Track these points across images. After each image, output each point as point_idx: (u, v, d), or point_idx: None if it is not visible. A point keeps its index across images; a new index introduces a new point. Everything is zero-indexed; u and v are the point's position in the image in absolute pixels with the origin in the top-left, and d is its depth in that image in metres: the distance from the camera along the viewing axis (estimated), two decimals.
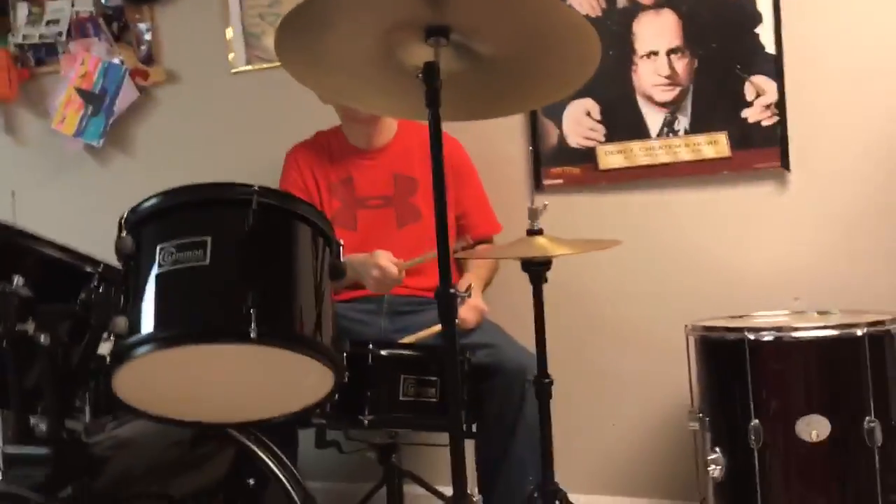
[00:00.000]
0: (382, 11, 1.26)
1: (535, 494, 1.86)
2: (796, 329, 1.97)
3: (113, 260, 1.63)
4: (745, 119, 2.40)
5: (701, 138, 2.45)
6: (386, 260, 2.08)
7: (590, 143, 2.56)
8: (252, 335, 1.31)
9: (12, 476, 1.47)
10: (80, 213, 3.06)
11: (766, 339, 1.95)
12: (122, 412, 1.82)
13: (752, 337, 1.95)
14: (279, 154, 2.51)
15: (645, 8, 2.47)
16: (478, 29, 1.34)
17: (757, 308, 2.24)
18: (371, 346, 1.83)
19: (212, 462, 1.85)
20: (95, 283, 1.60)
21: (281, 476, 1.77)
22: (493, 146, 2.61)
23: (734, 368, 1.97)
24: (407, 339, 2.06)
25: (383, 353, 1.83)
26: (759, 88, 2.39)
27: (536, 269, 1.78)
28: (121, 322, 1.37)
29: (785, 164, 2.38)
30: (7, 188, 2.98)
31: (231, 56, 2.89)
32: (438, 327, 2.06)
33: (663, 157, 2.49)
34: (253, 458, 1.78)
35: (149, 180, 2.92)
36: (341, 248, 1.59)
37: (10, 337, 1.50)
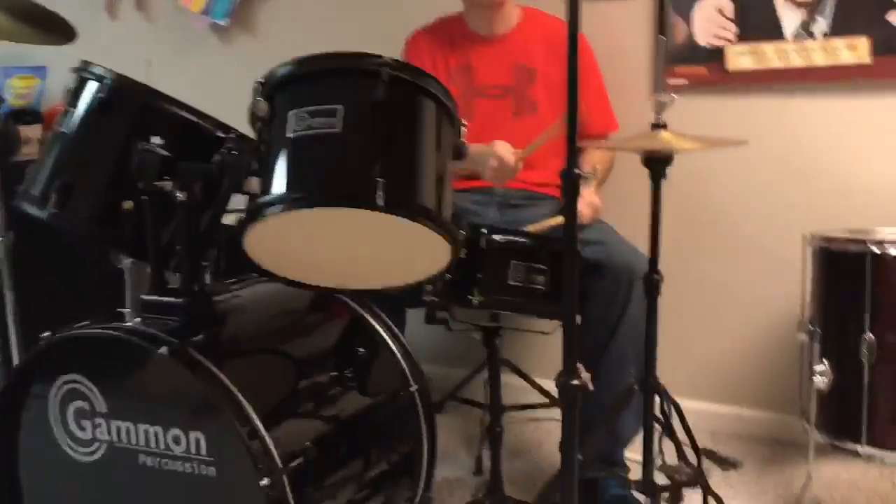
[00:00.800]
0: None
1: (636, 388, 1.88)
2: None
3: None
4: (891, 23, 2.25)
5: (839, 42, 2.32)
6: (505, 150, 2.08)
7: (719, 43, 2.45)
8: (379, 202, 1.35)
9: (149, 321, 1.58)
10: (204, 89, 3.13)
11: (891, 252, 1.88)
12: (246, 276, 1.94)
13: (875, 250, 1.88)
14: (403, 35, 2.51)
15: None
16: None
17: (881, 223, 2.15)
18: (485, 230, 1.85)
19: (326, 327, 1.94)
20: (228, 148, 1.68)
21: (392, 346, 1.84)
22: (616, 40, 2.54)
23: (853, 281, 1.92)
24: (529, 228, 2.07)
25: (497, 237, 1.85)
26: None
27: (657, 164, 1.75)
28: (254, 182, 1.43)
29: None
30: (139, 62, 3.10)
31: None
32: (557, 219, 2.09)
33: (797, 61, 2.37)
34: (366, 327, 1.86)
35: (272, 61, 3.01)
36: (464, 128, 1.60)
37: (149, 193, 1.59)
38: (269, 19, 3.07)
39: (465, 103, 2.37)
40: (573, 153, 1.31)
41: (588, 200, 2.18)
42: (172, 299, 1.60)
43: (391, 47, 2.52)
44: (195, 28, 3.14)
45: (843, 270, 1.99)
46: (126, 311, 1.69)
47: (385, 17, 2.86)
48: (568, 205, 1.31)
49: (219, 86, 3.12)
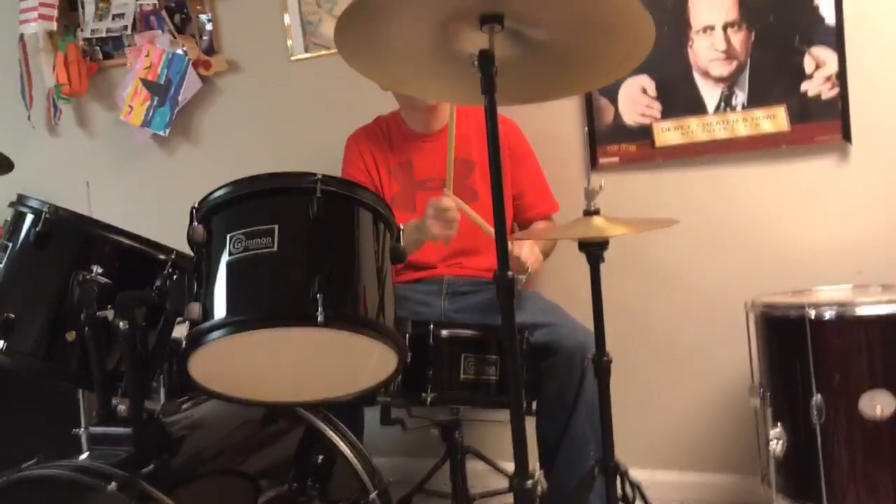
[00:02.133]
0: (438, 1, 1.29)
1: (597, 471, 1.89)
2: (859, 305, 1.95)
3: (183, 247, 1.71)
4: (805, 92, 2.37)
5: (759, 112, 2.43)
6: (434, 198, 2.09)
7: (646, 121, 2.55)
8: (319, 319, 1.37)
9: (98, 454, 1.56)
10: (148, 199, 3.18)
11: (827, 315, 1.94)
12: (196, 393, 1.93)
13: (813, 313, 1.94)
14: (339, 139, 2.57)
15: None
16: (531, 15, 1.35)
17: (819, 283, 2.22)
18: (432, 326, 1.88)
19: (282, 440, 1.92)
20: (169, 271, 1.69)
21: (348, 452, 1.83)
22: (548, 125, 2.62)
23: (796, 344, 1.96)
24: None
25: (444, 333, 1.88)
26: (819, 60, 2.35)
27: (594, 249, 1.80)
28: (195, 308, 1.44)
29: (846, 137, 2.35)
30: (81, 178, 3.12)
31: (289, 44, 2.94)
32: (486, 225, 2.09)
33: (721, 133, 2.47)
34: (321, 436, 1.86)
35: (213, 167, 3.08)
36: (401, 232, 1.63)
37: (91, 323, 1.59)
38: (208, 128, 3.12)
39: (408, 197, 2.45)
40: (504, 257, 1.35)
41: (529, 250, 2.20)
42: (121, 430, 1.59)
43: (329, 147, 2.59)
44: (137, 140, 3.17)
45: (784, 335, 2.03)
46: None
47: (322, 118, 2.92)
48: (503, 306, 1.34)
49: (166, 193, 3.17)
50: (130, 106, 3.12)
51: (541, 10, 1.34)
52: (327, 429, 1.86)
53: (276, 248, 1.43)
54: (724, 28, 2.44)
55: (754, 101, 2.43)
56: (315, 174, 1.50)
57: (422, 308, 2.35)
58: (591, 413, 2.08)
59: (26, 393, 2.68)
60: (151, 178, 3.19)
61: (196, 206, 1.53)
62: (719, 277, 2.49)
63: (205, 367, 1.50)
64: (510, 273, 1.35)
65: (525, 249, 2.18)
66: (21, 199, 1.77)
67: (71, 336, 1.65)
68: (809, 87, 2.36)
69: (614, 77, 1.48)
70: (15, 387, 2.53)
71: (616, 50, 1.40)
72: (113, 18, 3.16)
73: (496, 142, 1.35)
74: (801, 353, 1.95)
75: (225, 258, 1.46)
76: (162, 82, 3.07)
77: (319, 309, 1.37)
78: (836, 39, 2.32)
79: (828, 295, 2.14)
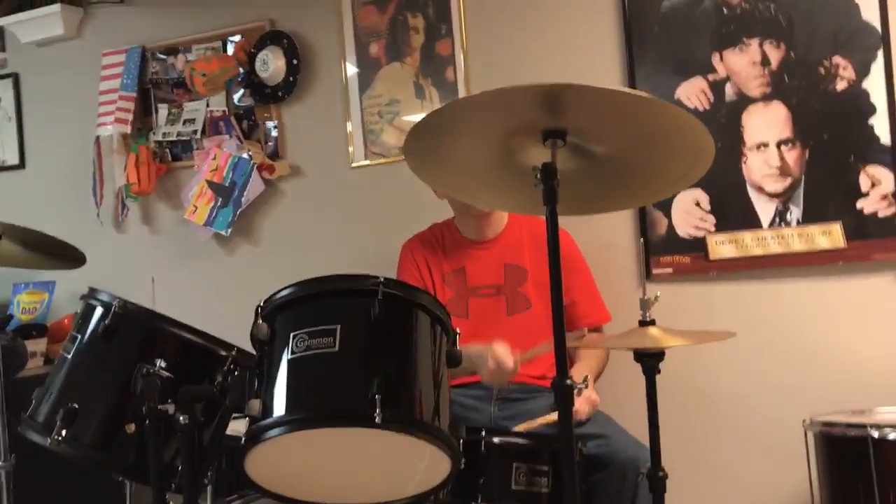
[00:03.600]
0: (504, 118, 1.35)
1: None
2: None
3: (240, 343, 1.76)
4: (861, 209, 2.38)
5: (814, 228, 2.43)
6: (503, 352, 2.12)
7: (699, 233, 2.57)
8: (377, 420, 1.38)
9: None
10: (208, 296, 3.26)
11: (891, 436, 1.89)
12: (246, 492, 1.93)
13: (875, 434, 1.89)
14: (395, 244, 2.62)
15: (754, 100, 2.50)
16: (592, 131, 1.41)
17: (876, 403, 2.17)
18: (484, 433, 1.87)
19: None
20: (229, 367, 1.73)
21: None
22: (602, 235, 2.65)
23: (858, 466, 1.91)
24: (520, 428, 2.08)
25: (496, 440, 1.87)
26: (875, 179, 2.36)
27: (649, 360, 1.79)
28: (255, 405, 1.47)
29: None
30: (145, 273, 3.22)
31: (351, 151, 3.06)
32: (550, 417, 2.11)
33: (775, 248, 2.48)
34: None
35: (272, 268, 3.16)
36: (458, 336, 1.65)
37: (152, 416, 1.62)
38: (268, 229, 3.22)
39: (461, 303, 2.47)
40: (562, 364, 1.36)
41: (585, 396, 2.20)
42: None
43: (385, 252, 2.65)
44: (200, 238, 3.28)
45: (846, 456, 1.98)
46: None
47: (379, 224, 3.00)
48: (562, 415, 1.34)
49: (225, 291, 3.25)
50: (195, 206, 3.24)
51: (602, 126, 1.40)
52: None
53: (337, 349, 1.47)
54: (779, 145, 2.47)
55: (809, 217, 2.44)
56: (377, 276, 1.54)
57: (471, 413, 2.34)
58: None
59: (74, 483, 2.70)
60: (212, 276, 3.29)
61: (261, 304, 1.58)
62: (775, 393, 2.44)
63: (260, 464, 1.51)
64: (568, 381, 1.35)
65: (580, 398, 2.15)
66: (92, 293, 1.84)
67: (130, 428, 1.68)
68: (865, 205, 2.37)
69: (673, 191, 1.52)
70: (66, 476, 2.56)
71: (676, 166, 1.44)
72: (184, 123, 3.33)
73: (557, 252, 1.38)
74: (865, 475, 1.89)
75: (287, 356, 1.49)
76: (227, 184, 3.19)
77: (377, 410, 1.39)
78: (891, 158, 2.34)
79: (889, 415, 2.08)
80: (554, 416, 2.13)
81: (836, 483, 2.02)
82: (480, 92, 1.29)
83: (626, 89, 1.28)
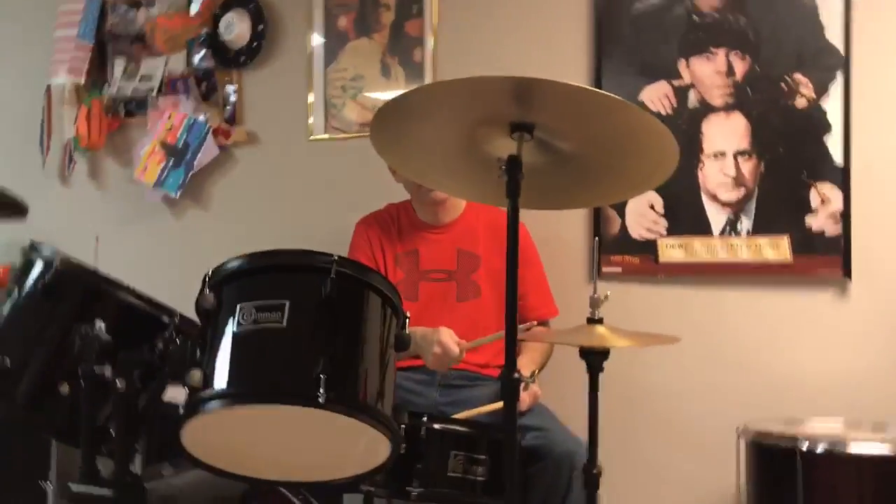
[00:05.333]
0: (474, 106, 1.34)
1: None
2: (852, 441, 1.95)
3: (182, 306, 1.72)
4: (809, 226, 2.42)
5: (763, 240, 2.48)
6: (448, 338, 2.12)
7: (651, 236, 2.60)
8: (320, 400, 1.36)
9: None
10: (153, 259, 3.19)
11: (819, 450, 1.93)
12: (177, 460, 1.90)
13: (804, 447, 1.93)
14: (348, 221, 2.60)
15: (715, 110, 2.53)
16: (560, 127, 1.40)
17: (810, 413, 2.22)
18: (426, 418, 1.86)
19: None
20: (171, 333, 1.69)
21: None
22: (554, 229, 2.66)
23: (786, 477, 1.95)
24: (459, 416, 2.09)
25: (437, 426, 1.86)
26: (825, 196, 2.41)
27: (594, 358, 1.80)
28: (196, 375, 1.44)
29: (847, 273, 2.39)
30: (88, 230, 3.14)
31: (310, 123, 3.01)
32: (492, 406, 2.12)
33: (724, 256, 2.52)
34: None
35: (220, 235, 3.10)
36: (408, 319, 1.64)
37: (87, 378, 1.58)
38: (219, 195, 3.15)
39: (411, 286, 2.46)
40: (511, 357, 1.36)
41: (530, 389, 2.21)
42: (104, 491, 1.55)
43: (336, 228, 2.62)
44: (148, 199, 3.20)
45: (775, 466, 2.03)
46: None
47: (334, 199, 2.97)
48: (507, 408, 1.34)
49: (170, 254, 3.18)
50: (146, 165, 3.17)
51: (571, 123, 1.40)
52: None
53: (284, 325, 1.44)
54: (736, 155, 2.51)
55: (759, 229, 2.48)
56: (332, 254, 1.52)
57: (413, 397, 2.33)
58: None
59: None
60: (158, 238, 3.22)
61: (210, 273, 1.54)
62: (712, 399, 2.49)
63: (197, 435, 1.48)
64: (516, 375, 1.35)
65: (525, 391, 2.17)
66: (33, 246, 1.78)
67: (64, 389, 1.64)
68: (814, 222, 2.42)
69: (635, 193, 1.54)
70: None
71: (640, 168, 1.45)
72: (140, 79, 3.24)
73: (516, 245, 1.38)
74: (791, 486, 1.94)
75: (232, 328, 1.46)
76: (180, 146, 3.12)
77: (321, 390, 1.37)
78: (842, 179, 2.39)
79: (820, 427, 2.13)
80: (494, 406, 2.15)
81: (764, 492, 2.07)
82: (453, 79, 1.28)
83: (598, 90, 1.28)
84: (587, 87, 1.33)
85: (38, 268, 1.73)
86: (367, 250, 2.49)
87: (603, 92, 1.32)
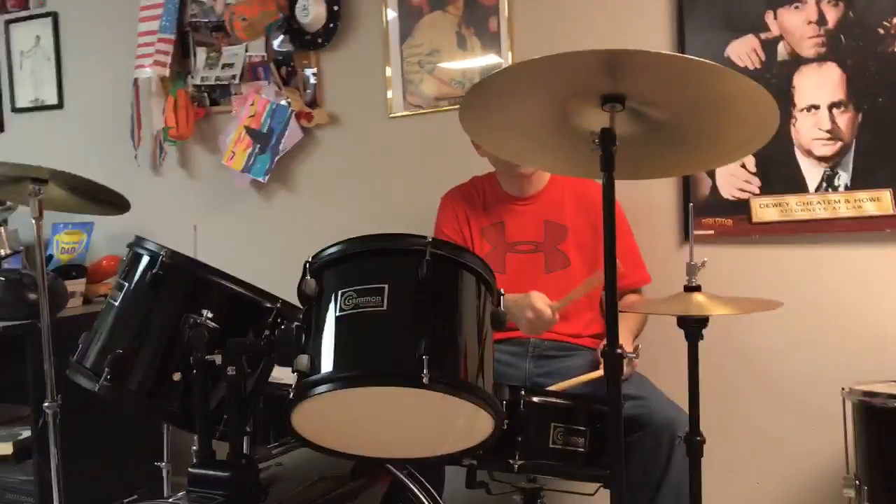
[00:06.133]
0: (562, 81, 1.32)
1: None
2: None
3: (278, 287, 1.77)
4: None
5: (863, 194, 2.39)
6: (541, 302, 2.12)
7: (744, 196, 2.53)
8: (424, 381, 1.39)
9: (196, 496, 1.60)
10: (247, 242, 3.28)
11: None
12: (287, 439, 1.96)
13: None
14: (433, 196, 2.61)
15: (807, 61, 2.44)
16: (652, 96, 1.38)
17: None
18: (524, 392, 1.87)
19: (365, 494, 1.93)
20: (274, 318, 1.74)
21: None
22: (643, 194, 2.62)
23: (895, 437, 1.90)
24: (555, 387, 2.09)
25: (535, 399, 1.87)
26: None
27: (693, 327, 1.78)
28: (303, 360, 1.48)
29: None
30: (182, 217, 3.25)
31: (389, 101, 3.03)
32: (588, 376, 2.11)
33: (821, 213, 2.44)
34: (406, 492, 1.86)
35: (309, 215, 3.17)
36: (502, 297, 1.65)
37: (199, 366, 1.64)
38: (306, 177, 3.21)
39: (498, 258, 2.47)
40: (613, 332, 1.35)
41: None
42: (220, 473, 1.62)
43: (422, 203, 2.64)
44: (237, 185, 3.28)
45: (884, 426, 1.97)
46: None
47: (417, 175, 2.98)
48: (610, 384, 1.34)
49: (262, 237, 3.27)
50: (233, 151, 3.24)
51: (662, 91, 1.37)
52: (413, 485, 1.86)
53: (385, 308, 1.47)
54: (830, 108, 2.42)
55: (858, 183, 2.39)
56: (426, 237, 1.53)
57: (507, 369, 2.35)
58: (677, 494, 2.04)
59: (117, 426, 2.77)
60: (250, 222, 3.30)
61: (310, 260, 1.58)
62: (815, 361, 2.43)
63: (306, 418, 1.53)
64: (619, 350, 1.34)
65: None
66: (139, 241, 1.85)
67: (177, 377, 1.70)
68: None
69: (733, 159, 1.50)
70: (109, 419, 2.63)
71: (737, 133, 1.41)
72: (223, 68, 3.30)
73: (612, 220, 1.38)
74: None
75: (335, 313, 1.50)
76: (265, 131, 3.18)
77: (425, 370, 1.39)
78: None
79: None
80: (591, 376, 2.14)
81: (873, 453, 2.01)
82: (539, 57, 1.26)
83: (692, 57, 1.24)
84: (677, 54, 1.30)
85: (144, 261, 1.79)
86: (453, 224, 2.51)
87: (694, 58, 1.28)
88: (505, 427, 1.60)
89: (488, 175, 2.59)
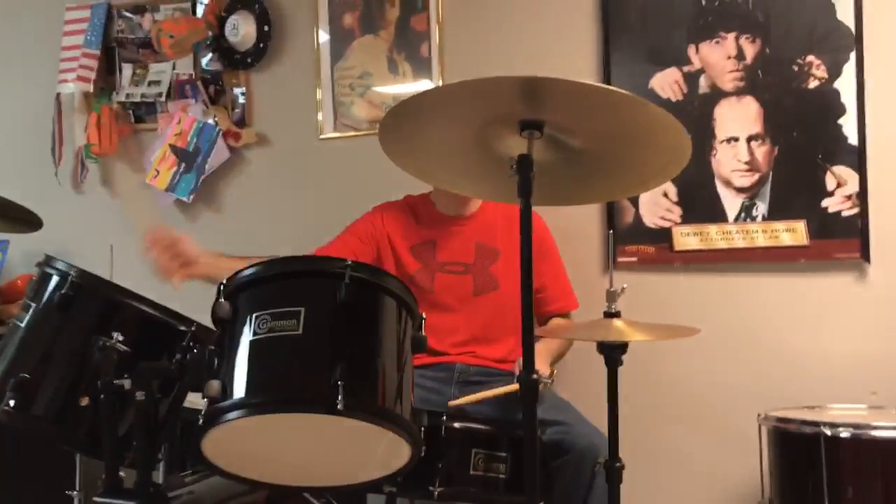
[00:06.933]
0: (482, 106, 1.33)
1: None
2: (875, 427, 1.93)
3: (198, 312, 1.73)
4: (825, 208, 2.40)
5: (779, 225, 2.45)
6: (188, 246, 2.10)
7: (666, 224, 2.58)
8: (339, 407, 1.36)
9: None
10: None
11: (843, 435, 1.92)
12: (199, 467, 1.90)
13: (828, 432, 1.92)
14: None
15: (727, 94, 2.51)
16: (570, 124, 1.39)
17: (832, 400, 2.20)
18: (445, 417, 1.86)
19: None
20: (188, 342, 1.70)
21: None
22: (567, 220, 2.64)
23: (809, 462, 1.94)
24: (469, 398, 2.09)
25: (456, 425, 1.86)
26: (840, 179, 2.39)
27: (613, 352, 1.79)
28: (215, 385, 1.44)
29: (865, 256, 2.37)
30: (102, 236, 3.15)
31: (319, 122, 3.00)
32: (502, 390, 2.11)
33: (740, 242, 2.50)
34: None
35: (234, 237, 3.11)
36: (423, 320, 1.64)
37: (107, 391, 1.59)
38: (232, 197, 3.16)
39: (426, 277, 2.45)
40: (529, 357, 1.35)
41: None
42: (127, 502, 1.56)
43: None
44: (159, 204, 3.21)
45: (798, 452, 2.02)
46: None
47: (346, 198, 2.96)
48: (526, 409, 1.33)
49: None
50: (157, 170, 3.17)
51: (580, 119, 1.38)
52: None
53: (300, 332, 1.44)
54: (749, 140, 2.49)
55: (775, 214, 2.46)
56: (345, 259, 1.52)
57: (430, 395, 2.32)
58: None
59: (24, 454, 2.65)
60: None
61: (224, 281, 1.54)
62: (732, 386, 2.47)
63: (218, 445, 1.49)
64: (535, 375, 1.34)
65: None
66: (48, 261, 1.79)
67: (84, 401, 1.65)
68: (830, 204, 2.40)
69: (649, 187, 1.52)
70: (15, 447, 2.51)
71: (652, 162, 1.44)
72: (149, 85, 3.24)
73: (529, 243, 1.37)
74: (815, 471, 1.93)
75: (249, 337, 1.46)
76: (191, 150, 3.12)
77: (340, 397, 1.37)
78: (857, 160, 2.37)
79: (842, 413, 2.12)
80: (504, 390, 2.14)
81: (787, 478, 2.05)
82: (460, 81, 1.26)
83: (607, 86, 1.27)
84: (595, 83, 1.32)
85: (53, 281, 1.74)
86: (364, 232, 2.47)
87: (612, 88, 1.30)
88: (423, 454, 1.57)
89: (422, 195, 2.58)
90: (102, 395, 1.59)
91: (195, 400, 1.75)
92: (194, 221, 3.20)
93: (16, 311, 3.11)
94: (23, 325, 1.73)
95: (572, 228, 2.65)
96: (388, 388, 1.49)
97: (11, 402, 1.62)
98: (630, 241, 2.62)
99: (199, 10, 3.13)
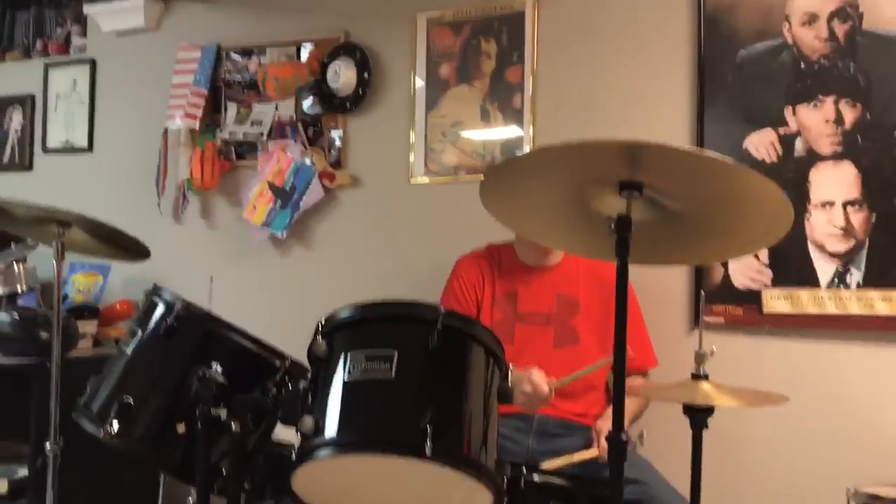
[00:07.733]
0: (583, 167, 1.36)
1: None
2: None
3: (288, 342, 1.78)
4: None
5: (875, 293, 2.40)
6: (539, 378, 2.12)
7: (755, 286, 2.54)
8: (426, 452, 1.39)
9: None
10: (260, 295, 3.32)
11: None
12: (282, 497, 1.95)
13: None
14: (447, 262, 2.63)
15: (823, 158, 2.48)
16: (668, 187, 1.41)
17: None
18: (525, 470, 1.87)
19: None
20: (282, 376, 1.76)
21: None
22: (652, 277, 2.63)
23: None
24: (551, 464, 2.08)
25: (536, 479, 1.86)
26: None
27: (699, 416, 1.78)
28: (308, 422, 1.49)
29: None
30: (201, 266, 3.29)
31: (411, 167, 3.08)
32: (578, 455, 2.11)
33: (832, 308, 2.44)
34: None
35: (324, 273, 3.20)
36: (510, 371, 1.66)
37: (204, 420, 1.66)
38: (324, 236, 3.25)
39: (507, 328, 2.47)
40: (620, 418, 1.36)
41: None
42: None
43: (437, 269, 2.66)
44: (255, 238, 3.33)
45: None
46: None
47: (434, 241, 3.02)
48: (613, 470, 1.34)
49: (275, 292, 3.30)
50: (254, 206, 3.29)
51: (677, 183, 1.40)
52: None
53: (393, 376, 1.48)
54: (844, 205, 2.44)
55: (870, 282, 2.40)
56: (439, 307, 1.56)
57: (508, 444, 2.32)
58: None
59: (115, 473, 2.75)
60: (265, 276, 3.34)
61: (322, 321, 1.60)
62: (820, 458, 2.40)
63: (307, 480, 1.53)
64: (623, 436, 1.35)
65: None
66: (156, 290, 1.88)
67: (181, 428, 1.71)
68: None
69: (745, 253, 1.53)
70: (109, 466, 2.61)
71: (751, 228, 1.44)
72: (251, 124, 3.38)
73: (624, 304, 1.39)
74: None
75: (343, 377, 1.51)
76: (287, 188, 3.24)
77: (428, 441, 1.40)
78: None
79: None
80: (586, 455, 2.14)
81: None
82: (562, 143, 1.30)
83: (711, 154, 1.28)
84: (694, 149, 1.33)
85: (159, 310, 1.83)
86: (468, 288, 2.51)
87: (711, 154, 1.31)
88: None
89: (505, 244, 2.62)
90: (199, 423, 1.65)
91: (281, 434, 1.82)
92: (286, 256, 3.31)
93: (113, 334, 3.31)
94: (129, 350, 1.82)
95: (660, 286, 2.63)
96: (474, 436, 1.52)
97: (115, 424, 1.70)
98: (717, 300, 2.59)
99: (304, 56, 3.26)
